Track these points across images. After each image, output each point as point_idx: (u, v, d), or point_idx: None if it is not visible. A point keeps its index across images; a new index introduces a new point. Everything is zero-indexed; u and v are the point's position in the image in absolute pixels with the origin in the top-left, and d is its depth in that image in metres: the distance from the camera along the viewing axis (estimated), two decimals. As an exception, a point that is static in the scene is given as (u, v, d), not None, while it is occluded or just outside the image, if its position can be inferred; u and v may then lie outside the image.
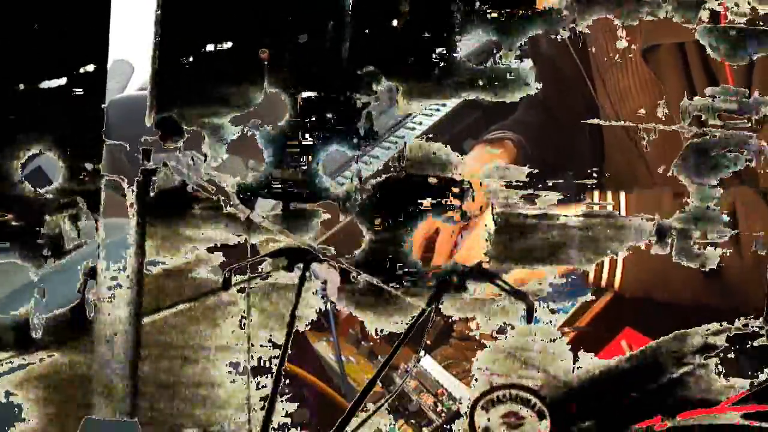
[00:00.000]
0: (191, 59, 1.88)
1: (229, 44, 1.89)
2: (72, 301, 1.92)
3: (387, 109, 2.72)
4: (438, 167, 1.94)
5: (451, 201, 1.92)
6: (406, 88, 1.91)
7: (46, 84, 1.89)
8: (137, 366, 1.89)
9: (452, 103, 2.77)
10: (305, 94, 1.90)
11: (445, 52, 1.92)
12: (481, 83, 1.95)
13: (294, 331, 1.91)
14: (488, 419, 1.88)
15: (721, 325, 1.92)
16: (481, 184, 1.92)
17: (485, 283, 1.89)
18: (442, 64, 1.92)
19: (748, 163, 1.90)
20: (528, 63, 2.75)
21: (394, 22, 1.90)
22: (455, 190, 1.92)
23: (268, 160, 1.90)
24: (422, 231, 2.39)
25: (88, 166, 1.93)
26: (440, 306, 1.90)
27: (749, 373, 1.92)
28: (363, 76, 1.89)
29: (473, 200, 1.92)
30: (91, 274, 1.91)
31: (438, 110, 2.71)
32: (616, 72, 2.35)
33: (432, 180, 1.92)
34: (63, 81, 1.90)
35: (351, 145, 1.91)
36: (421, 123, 2.68)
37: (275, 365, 1.91)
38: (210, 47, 1.89)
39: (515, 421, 1.87)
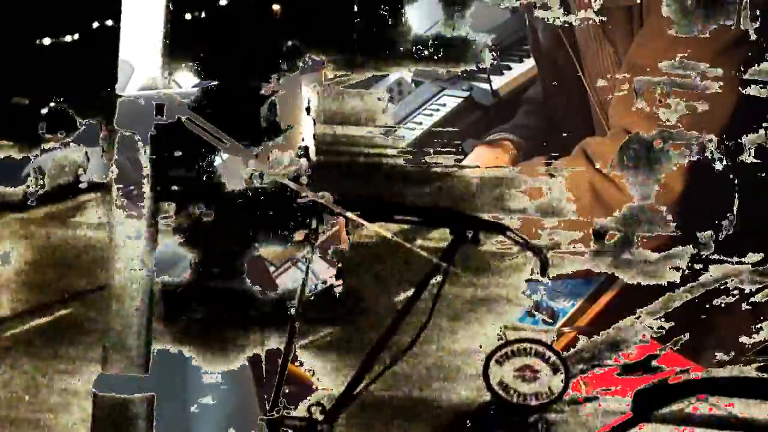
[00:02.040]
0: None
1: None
2: None
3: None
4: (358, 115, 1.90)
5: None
6: (351, 59, 1.87)
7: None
8: (151, 321, 1.87)
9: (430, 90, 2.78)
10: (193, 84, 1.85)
11: (390, 22, 1.88)
12: (426, 53, 1.92)
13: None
14: (503, 373, 1.84)
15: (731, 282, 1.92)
16: None
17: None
18: (386, 35, 1.89)
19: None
20: (529, 63, 2.80)
21: None
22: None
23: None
24: None
25: None
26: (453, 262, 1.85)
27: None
28: (287, 51, 1.85)
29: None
30: None
31: (438, 110, 2.72)
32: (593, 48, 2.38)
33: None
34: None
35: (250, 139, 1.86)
36: (421, 123, 2.69)
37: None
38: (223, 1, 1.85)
39: (530, 374, 1.84)
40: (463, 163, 2.49)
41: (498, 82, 2.75)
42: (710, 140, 1.95)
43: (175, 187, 1.86)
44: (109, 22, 1.87)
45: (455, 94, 2.75)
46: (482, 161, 2.52)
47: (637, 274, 1.94)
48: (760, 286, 1.93)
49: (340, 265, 1.91)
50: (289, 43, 1.86)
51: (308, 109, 1.88)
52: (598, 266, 1.94)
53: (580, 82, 2.43)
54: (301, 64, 1.88)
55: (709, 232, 1.95)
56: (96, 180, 1.95)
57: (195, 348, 1.94)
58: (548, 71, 2.58)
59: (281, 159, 1.91)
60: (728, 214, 1.98)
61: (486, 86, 2.73)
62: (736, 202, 1.99)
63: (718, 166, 1.97)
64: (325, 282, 1.95)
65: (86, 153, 1.96)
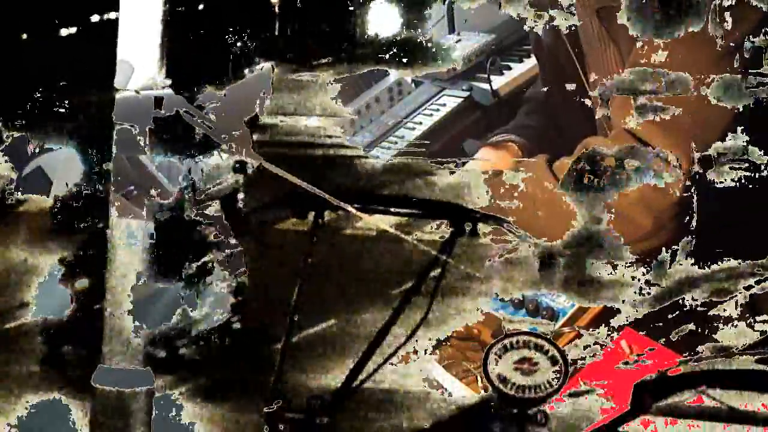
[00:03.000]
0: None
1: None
2: None
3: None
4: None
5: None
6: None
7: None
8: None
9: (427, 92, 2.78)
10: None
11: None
12: (387, 57, 1.92)
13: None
14: (502, 366, 1.84)
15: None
16: None
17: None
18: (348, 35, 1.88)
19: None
20: (529, 63, 2.80)
21: None
22: None
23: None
24: None
25: None
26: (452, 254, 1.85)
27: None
28: (240, 56, 1.84)
29: None
30: None
31: (438, 110, 2.72)
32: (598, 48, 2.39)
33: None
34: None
35: (186, 150, 1.86)
36: (421, 123, 2.69)
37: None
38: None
39: (529, 367, 1.84)
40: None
41: (498, 82, 2.75)
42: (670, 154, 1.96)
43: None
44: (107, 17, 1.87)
45: (455, 94, 2.75)
46: (488, 163, 2.52)
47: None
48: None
49: (239, 298, 1.91)
50: (238, 50, 1.85)
51: (252, 121, 1.87)
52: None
53: (582, 81, 2.43)
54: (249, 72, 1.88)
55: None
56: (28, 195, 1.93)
57: (70, 393, 1.91)
58: (550, 70, 2.58)
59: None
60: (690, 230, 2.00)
61: (486, 86, 2.73)
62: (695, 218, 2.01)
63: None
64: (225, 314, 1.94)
65: (13, 167, 1.94)
